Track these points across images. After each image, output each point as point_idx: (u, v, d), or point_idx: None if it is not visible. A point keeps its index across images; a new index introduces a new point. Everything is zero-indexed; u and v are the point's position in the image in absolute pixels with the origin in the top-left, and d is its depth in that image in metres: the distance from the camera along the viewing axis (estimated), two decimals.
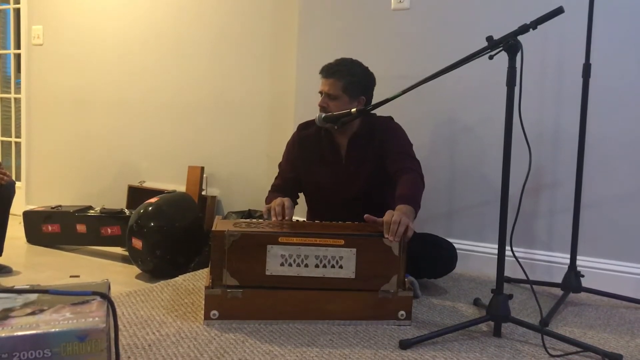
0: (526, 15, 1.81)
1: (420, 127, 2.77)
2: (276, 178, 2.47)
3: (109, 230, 3.28)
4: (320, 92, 2.31)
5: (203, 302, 1.88)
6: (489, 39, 1.76)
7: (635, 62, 2.37)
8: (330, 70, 2.28)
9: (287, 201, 2.20)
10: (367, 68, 2.34)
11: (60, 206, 3.54)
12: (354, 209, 2.24)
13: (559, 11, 1.70)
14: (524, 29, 1.72)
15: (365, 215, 1.97)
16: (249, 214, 3.15)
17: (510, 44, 1.72)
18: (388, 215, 1.89)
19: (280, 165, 2.49)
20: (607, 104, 2.40)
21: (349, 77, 2.26)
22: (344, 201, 2.33)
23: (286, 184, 2.42)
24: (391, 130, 2.32)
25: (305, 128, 2.43)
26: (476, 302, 2.21)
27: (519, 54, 1.73)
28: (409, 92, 1.94)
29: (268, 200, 2.35)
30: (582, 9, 2.19)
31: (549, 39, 2.48)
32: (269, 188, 2.45)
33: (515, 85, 1.75)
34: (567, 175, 2.44)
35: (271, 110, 3.37)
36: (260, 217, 2.95)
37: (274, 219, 2.15)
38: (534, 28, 1.72)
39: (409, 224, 1.88)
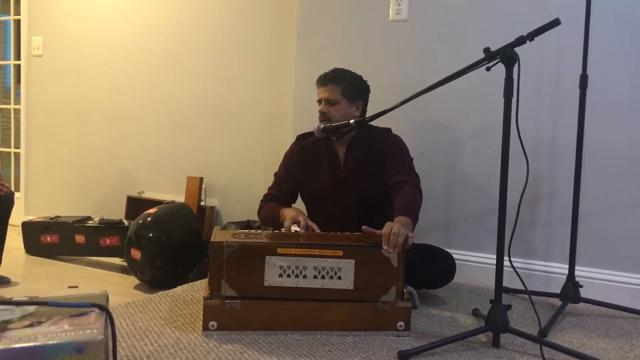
0: (523, 27, 1.82)
1: (418, 137, 2.78)
2: (271, 188, 2.47)
3: (108, 241, 3.28)
4: (319, 101, 2.33)
5: (202, 313, 1.88)
6: (486, 50, 1.77)
7: (632, 73, 2.38)
8: (327, 78, 2.34)
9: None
10: (361, 76, 2.39)
11: (59, 217, 3.54)
12: (354, 218, 2.25)
13: (555, 23, 1.71)
14: (520, 41, 1.74)
15: (363, 227, 1.98)
16: (247, 225, 3.15)
17: (507, 56, 1.73)
18: (387, 227, 1.89)
19: (276, 174, 2.49)
20: (605, 114, 2.41)
21: (346, 81, 2.33)
22: (344, 209, 2.33)
23: (282, 193, 2.43)
24: (392, 143, 2.34)
25: (304, 139, 2.45)
26: (475, 313, 2.20)
27: (516, 66, 1.74)
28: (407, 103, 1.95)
29: (264, 211, 2.38)
30: (578, 21, 2.21)
31: (545, 51, 2.50)
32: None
33: (512, 96, 1.75)
34: (565, 185, 2.45)
35: (270, 121, 3.38)
36: (259, 227, 2.95)
37: (302, 230, 2.13)
38: (531, 40, 1.73)
39: (408, 234, 1.88)
